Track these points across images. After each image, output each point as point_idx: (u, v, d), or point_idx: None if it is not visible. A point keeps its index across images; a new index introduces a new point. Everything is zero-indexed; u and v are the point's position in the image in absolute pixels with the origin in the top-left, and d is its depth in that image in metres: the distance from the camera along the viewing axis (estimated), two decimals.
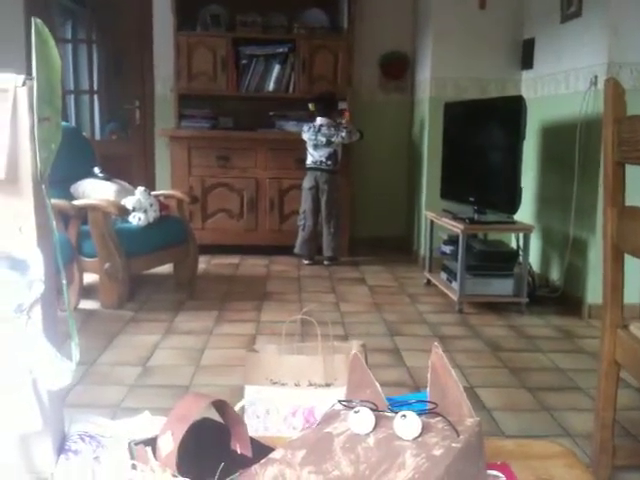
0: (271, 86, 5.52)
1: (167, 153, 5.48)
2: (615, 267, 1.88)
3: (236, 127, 5.55)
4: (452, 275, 4.14)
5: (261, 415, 1.58)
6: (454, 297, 4.00)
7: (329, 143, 4.96)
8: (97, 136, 5.97)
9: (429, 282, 4.58)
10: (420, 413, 0.84)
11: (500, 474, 0.94)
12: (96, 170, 4.23)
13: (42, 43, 0.99)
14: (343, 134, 4.98)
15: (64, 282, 1.01)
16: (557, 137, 4.35)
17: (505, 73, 5.04)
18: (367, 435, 0.84)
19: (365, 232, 5.81)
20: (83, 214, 3.74)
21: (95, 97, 6.01)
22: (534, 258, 4.46)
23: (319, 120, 5.01)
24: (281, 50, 5.46)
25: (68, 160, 3.99)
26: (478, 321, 3.78)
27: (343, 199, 5.28)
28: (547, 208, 4.49)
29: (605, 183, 1.89)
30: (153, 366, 2.96)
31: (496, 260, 4.05)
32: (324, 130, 4.97)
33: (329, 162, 5.00)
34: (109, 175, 4.23)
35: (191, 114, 5.47)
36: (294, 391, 1.59)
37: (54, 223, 1.02)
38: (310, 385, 1.58)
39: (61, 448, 1.00)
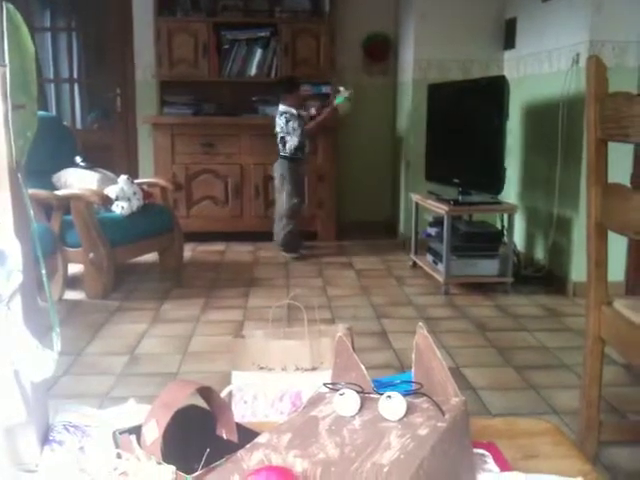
0: (253, 71, 5.48)
1: (150, 141, 5.43)
2: (599, 244, 1.88)
3: (219, 113, 5.51)
4: (438, 257, 4.15)
5: (249, 400, 1.58)
6: (440, 279, 4.01)
7: (275, 131, 4.87)
8: (78, 125, 5.91)
9: (415, 264, 4.58)
10: (405, 394, 0.84)
11: (487, 452, 0.94)
12: (78, 159, 4.19)
13: (14, 29, 0.97)
14: (281, 122, 4.79)
15: (43, 272, 1.00)
16: (540, 116, 4.35)
17: (488, 53, 5.03)
18: (352, 417, 0.84)
19: (351, 216, 5.80)
20: (66, 204, 3.71)
21: (75, 86, 5.94)
22: (519, 238, 4.47)
23: (279, 107, 4.86)
24: (263, 34, 5.41)
25: (49, 150, 3.97)
26: (464, 302, 3.80)
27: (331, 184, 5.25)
28: (531, 188, 4.50)
29: (588, 161, 1.89)
30: (140, 355, 2.95)
31: (481, 241, 4.06)
32: (276, 118, 4.87)
33: (278, 148, 4.87)
34: (91, 164, 4.19)
35: (173, 101, 5.42)
36: (281, 376, 1.59)
37: (32, 212, 1.01)
38: (297, 369, 1.58)
39: (46, 439, 0.99)
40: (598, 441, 1.95)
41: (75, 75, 5.90)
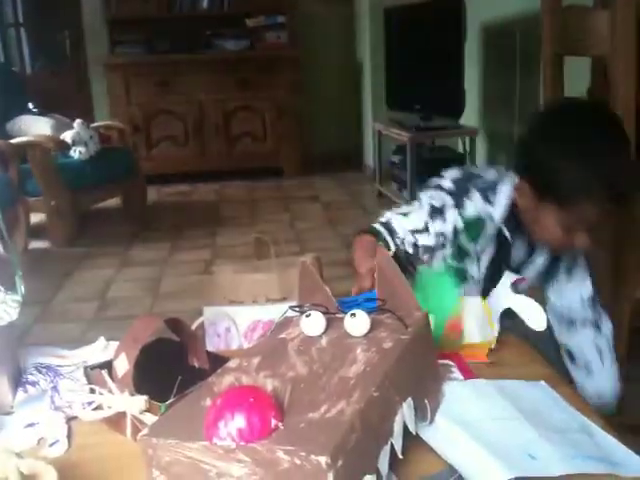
0: (205, 3, 5.31)
1: (103, 83, 5.28)
2: None
3: (173, 50, 5.32)
4: (402, 184, 4.17)
5: (222, 333, 1.60)
6: None
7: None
8: (28, 70, 5.71)
9: (381, 194, 4.60)
10: (369, 311, 0.86)
11: (451, 362, 0.97)
12: (30, 106, 4.07)
13: None
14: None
15: (0, 218, 0.98)
16: (498, 36, 4.30)
17: None
18: (320, 337, 0.86)
19: (317, 149, 5.73)
20: (22, 152, 3.62)
21: (22, 30, 5.71)
22: (481, 160, 4.49)
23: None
24: None
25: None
26: None
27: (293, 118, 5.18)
28: (492, 109, 4.49)
29: (544, 76, 1.90)
30: (111, 299, 2.95)
31: (444, 166, 4.01)
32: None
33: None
34: (44, 110, 4.08)
35: (124, 40, 5.24)
36: (252, 308, 1.60)
37: None
38: (267, 301, 1.60)
39: (18, 381, 1.00)
40: None
41: (20, 19, 5.67)
